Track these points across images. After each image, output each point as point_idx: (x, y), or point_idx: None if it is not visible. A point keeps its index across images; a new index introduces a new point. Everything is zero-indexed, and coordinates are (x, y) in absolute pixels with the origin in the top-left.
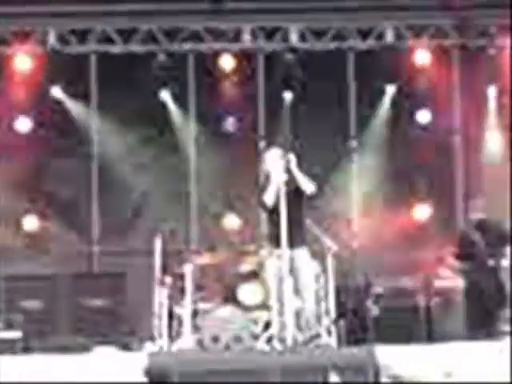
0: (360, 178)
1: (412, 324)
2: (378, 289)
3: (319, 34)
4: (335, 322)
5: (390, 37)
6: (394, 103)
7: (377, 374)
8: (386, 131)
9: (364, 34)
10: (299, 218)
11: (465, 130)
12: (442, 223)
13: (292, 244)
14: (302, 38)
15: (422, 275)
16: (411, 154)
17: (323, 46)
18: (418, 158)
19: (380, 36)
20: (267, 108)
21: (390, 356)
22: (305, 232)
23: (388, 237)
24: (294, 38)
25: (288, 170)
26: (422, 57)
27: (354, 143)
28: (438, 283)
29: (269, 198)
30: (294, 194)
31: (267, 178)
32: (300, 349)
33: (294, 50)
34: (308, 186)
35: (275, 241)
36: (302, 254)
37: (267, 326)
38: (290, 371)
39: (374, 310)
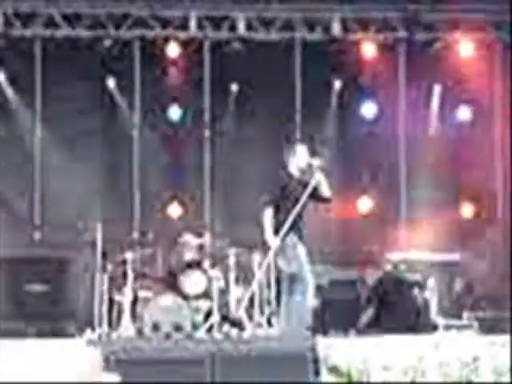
0: None
1: (352, 316)
2: (319, 280)
3: (267, 24)
4: (276, 312)
5: (336, 29)
6: (341, 96)
7: (316, 365)
8: (332, 124)
9: (311, 26)
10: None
11: (409, 124)
12: (384, 216)
13: (300, 238)
14: (250, 27)
15: (363, 267)
16: (357, 147)
17: (270, 37)
18: (363, 151)
19: (327, 28)
20: (213, 96)
21: (330, 347)
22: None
23: (333, 228)
24: (241, 27)
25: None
26: (369, 50)
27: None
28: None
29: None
30: (311, 193)
31: (301, 170)
32: (241, 338)
33: (241, 39)
34: (327, 191)
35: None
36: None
37: (208, 315)
38: (230, 360)
39: (314, 302)
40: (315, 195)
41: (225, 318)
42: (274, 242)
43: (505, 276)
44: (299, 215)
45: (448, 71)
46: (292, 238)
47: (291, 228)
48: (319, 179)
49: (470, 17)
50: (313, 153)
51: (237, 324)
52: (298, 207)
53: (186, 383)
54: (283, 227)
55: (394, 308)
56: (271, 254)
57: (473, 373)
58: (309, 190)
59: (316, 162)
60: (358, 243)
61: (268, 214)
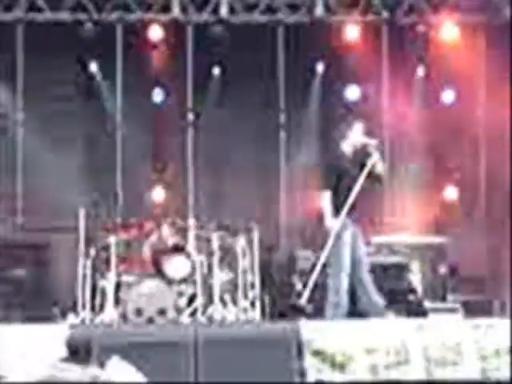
0: (290, 154)
1: None
2: (303, 264)
3: (249, 7)
4: (260, 295)
5: (319, 11)
6: (324, 78)
7: (300, 348)
8: (315, 106)
9: (294, 8)
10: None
11: (392, 107)
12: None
13: (355, 217)
14: (232, 10)
15: None
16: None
17: (253, 19)
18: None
19: (310, 10)
20: (195, 80)
21: (314, 331)
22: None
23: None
24: (223, 10)
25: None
26: (352, 32)
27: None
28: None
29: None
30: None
31: (355, 148)
32: (225, 322)
33: (224, 22)
34: (382, 170)
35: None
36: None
37: (192, 299)
38: (213, 344)
39: (299, 285)
40: (370, 175)
41: (293, 307)
42: (333, 224)
43: (489, 258)
44: (356, 198)
45: (431, 54)
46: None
47: (349, 210)
48: (376, 159)
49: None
50: (369, 132)
51: (302, 311)
52: (357, 188)
53: (169, 367)
54: (342, 209)
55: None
56: (332, 237)
57: (457, 356)
58: (366, 170)
59: (373, 141)
60: None
61: (326, 198)
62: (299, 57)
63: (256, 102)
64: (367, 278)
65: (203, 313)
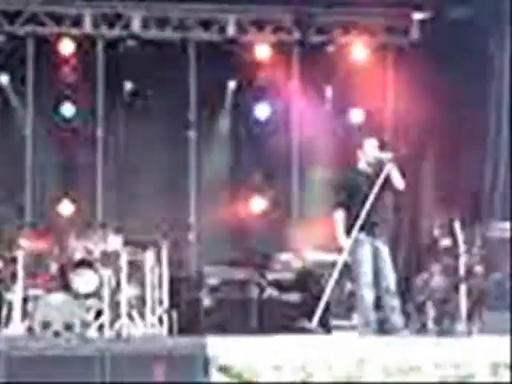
0: (201, 169)
1: (244, 316)
2: (211, 280)
3: (161, 24)
4: (167, 311)
5: (231, 30)
6: (235, 96)
7: (206, 364)
8: (226, 124)
9: (207, 26)
10: (379, 209)
11: (302, 125)
12: (278, 216)
13: (374, 232)
14: (145, 26)
15: (256, 267)
16: (250, 147)
17: (165, 36)
18: (257, 151)
19: (222, 29)
20: (106, 94)
21: (221, 347)
22: (383, 224)
23: (227, 228)
24: (135, 25)
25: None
26: (263, 51)
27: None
28: (271, 276)
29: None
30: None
31: (370, 164)
32: (132, 338)
33: (136, 37)
34: (400, 183)
35: (363, 226)
36: (383, 244)
37: (99, 314)
38: (120, 359)
39: (207, 301)
40: (387, 188)
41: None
42: (345, 242)
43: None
44: (374, 211)
45: (341, 74)
46: (359, 236)
47: (362, 226)
48: (390, 171)
49: (364, 20)
50: (381, 146)
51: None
52: (368, 204)
53: (75, 382)
54: (355, 226)
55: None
56: (343, 255)
57: (361, 372)
58: (379, 183)
59: (385, 155)
60: (251, 243)
61: (339, 217)
62: (211, 73)
63: (167, 117)
64: (394, 302)
65: (111, 328)
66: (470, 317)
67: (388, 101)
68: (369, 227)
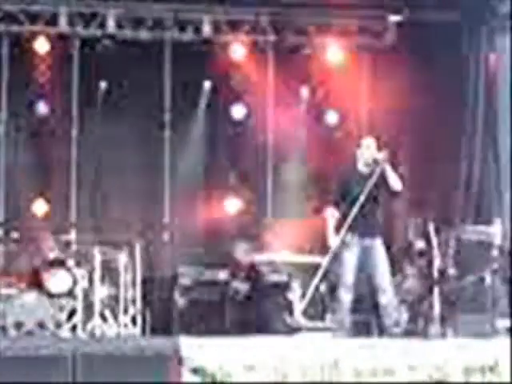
0: (175, 170)
1: (217, 316)
2: (185, 280)
3: (136, 23)
4: (141, 311)
5: (207, 30)
6: (210, 97)
7: (180, 365)
8: (201, 124)
9: (182, 26)
10: (375, 209)
11: (277, 126)
12: (252, 217)
13: (366, 233)
14: (120, 25)
15: (230, 268)
16: (225, 147)
17: (140, 35)
18: (232, 152)
19: (198, 29)
20: (81, 93)
21: (194, 348)
22: (379, 224)
23: (201, 229)
24: (111, 25)
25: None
26: (239, 52)
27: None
28: (245, 276)
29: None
30: (380, 187)
31: (367, 165)
32: (104, 338)
33: (111, 37)
34: (397, 183)
35: (353, 227)
36: (378, 244)
37: (72, 313)
38: (92, 359)
39: (180, 302)
40: (383, 188)
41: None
42: (332, 242)
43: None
44: (371, 212)
45: (316, 75)
46: (348, 237)
47: (350, 226)
48: (385, 171)
49: (339, 22)
50: (378, 146)
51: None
52: (358, 204)
53: (46, 382)
54: (344, 225)
55: (257, 309)
56: (330, 254)
57: (334, 374)
58: (371, 183)
59: (380, 155)
60: (225, 244)
61: (329, 214)
62: (186, 73)
63: (142, 117)
64: (385, 299)
65: (83, 328)
66: (443, 319)
67: (363, 102)
68: (362, 228)
